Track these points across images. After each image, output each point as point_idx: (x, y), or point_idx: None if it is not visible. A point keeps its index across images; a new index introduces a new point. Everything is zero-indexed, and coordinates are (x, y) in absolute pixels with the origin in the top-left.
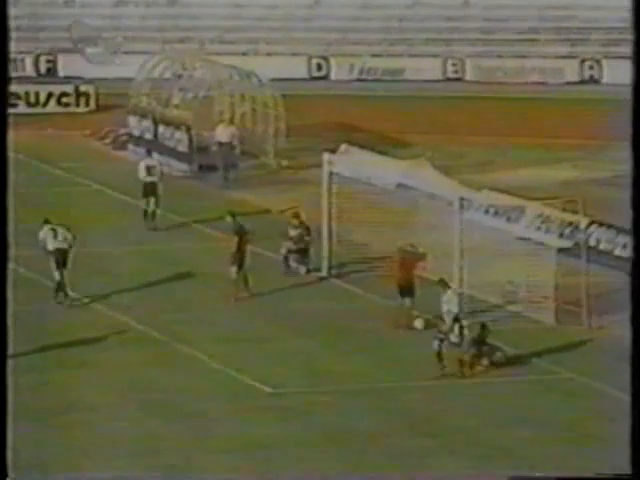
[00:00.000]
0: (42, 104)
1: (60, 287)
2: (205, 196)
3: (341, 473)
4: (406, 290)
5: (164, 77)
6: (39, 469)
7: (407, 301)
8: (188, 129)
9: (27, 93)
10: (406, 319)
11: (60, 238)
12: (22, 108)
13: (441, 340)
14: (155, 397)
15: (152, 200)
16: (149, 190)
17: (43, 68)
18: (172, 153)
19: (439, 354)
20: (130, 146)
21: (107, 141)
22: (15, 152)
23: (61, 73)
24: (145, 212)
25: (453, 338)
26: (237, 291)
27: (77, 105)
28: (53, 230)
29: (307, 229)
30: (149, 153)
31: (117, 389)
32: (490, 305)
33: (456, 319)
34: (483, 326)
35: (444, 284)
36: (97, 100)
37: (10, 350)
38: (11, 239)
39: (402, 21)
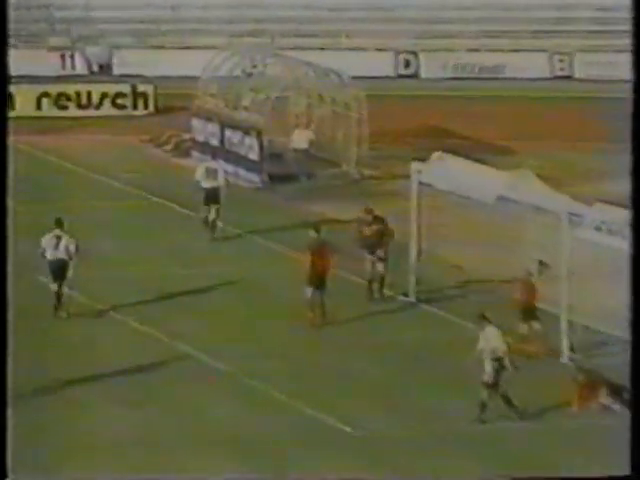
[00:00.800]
0: (95, 106)
1: (58, 300)
2: (277, 210)
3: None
4: (528, 314)
5: (232, 75)
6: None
7: (535, 325)
8: (259, 134)
9: (78, 94)
10: (538, 346)
11: (61, 248)
12: (72, 110)
13: (491, 386)
14: (226, 437)
15: (214, 208)
16: (210, 197)
17: (96, 65)
18: (240, 161)
19: (483, 404)
20: (194, 153)
21: (168, 148)
22: (63, 159)
23: (116, 71)
24: (205, 221)
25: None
26: (313, 317)
27: (134, 107)
28: (57, 238)
29: (384, 223)
30: (214, 159)
31: (184, 425)
32: (607, 337)
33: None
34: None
35: (483, 318)
36: (157, 101)
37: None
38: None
39: (503, 10)
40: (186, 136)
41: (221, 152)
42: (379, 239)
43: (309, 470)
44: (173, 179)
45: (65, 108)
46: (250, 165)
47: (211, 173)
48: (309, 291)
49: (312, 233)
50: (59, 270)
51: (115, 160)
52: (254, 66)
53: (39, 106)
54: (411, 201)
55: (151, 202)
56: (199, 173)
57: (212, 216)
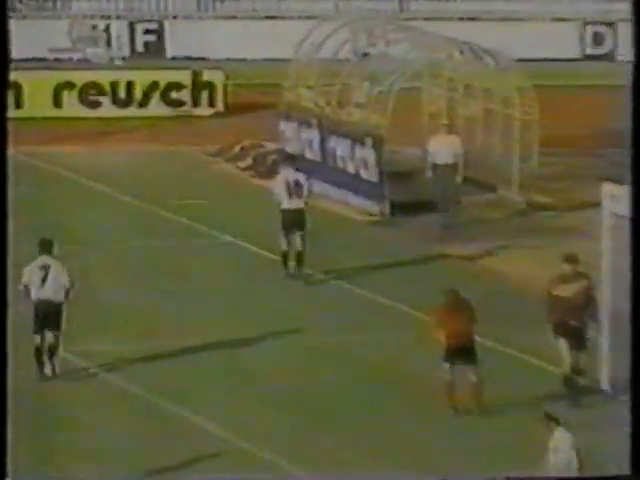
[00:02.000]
0: (139, 102)
1: (38, 355)
2: (404, 251)
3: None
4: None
5: (339, 58)
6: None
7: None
8: (378, 143)
9: (114, 84)
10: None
11: (50, 283)
12: (106, 108)
13: None
14: None
15: (297, 237)
16: (291, 220)
17: (140, 43)
18: (350, 183)
19: None
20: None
21: (245, 163)
22: (92, 180)
23: (169, 52)
24: (284, 256)
25: None
26: (456, 402)
27: (196, 104)
28: (43, 269)
29: (588, 279)
30: (311, 179)
31: None
32: None
33: None
34: None
35: (550, 418)
36: (227, 96)
37: None
38: None
39: None
40: (271, 146)
41: (322, 169)
42: (584, 303)
43: None
44: (252, 208)
45: (96, 105)
46: (365, 188)
47: (294, 188)
48: (446, 367)
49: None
50: (47, 316)
51: (168, 181)
52: (371, 44)
53: (57, 102)
54: (602, 242)
55: (219, 242)
56: (279, 187)
57: (297, 247)
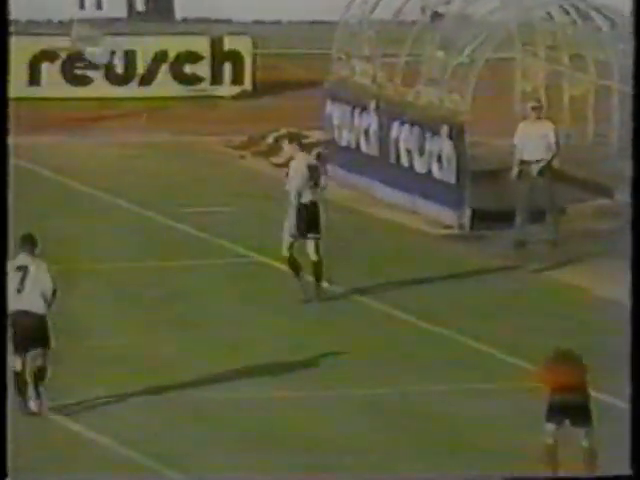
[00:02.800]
0: (141, 77)
1: (20, 384)
2: (491, 277)
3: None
4: None
5: (402, 19)
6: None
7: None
8: (457, 132)
9: (112, 55)
10: None
11: (27, 290)
12: (98, 86)
13: None
14: None
15: (312, 243)
16: (308, 219)
17: (142, 2)
18: (420, 184)
19: None
20: (330, 168)
21: (280, 159)
22: (81, 182)
23: (179, 11)
24: (293, 267)
25: None
26: (559, 472)
27: (216, 81)
28: (21, 271)
29: None
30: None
31: None
32: None
33: None
34: None
35: None
36: (256, 70)
37: None
38: None
39: None
40: (313, 136)
41: (380, 167)
42: None
43: None
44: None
45: (85, 82)
46: (438, 192)
47: (313, 175)
48: (550, 428)
49: None
50: (27, 332)
51: (179, 182)
52: (447, 1)
53: (34, 78)
54: None
55: (244, 262)
56: (297, 176)
57: (312, 256)
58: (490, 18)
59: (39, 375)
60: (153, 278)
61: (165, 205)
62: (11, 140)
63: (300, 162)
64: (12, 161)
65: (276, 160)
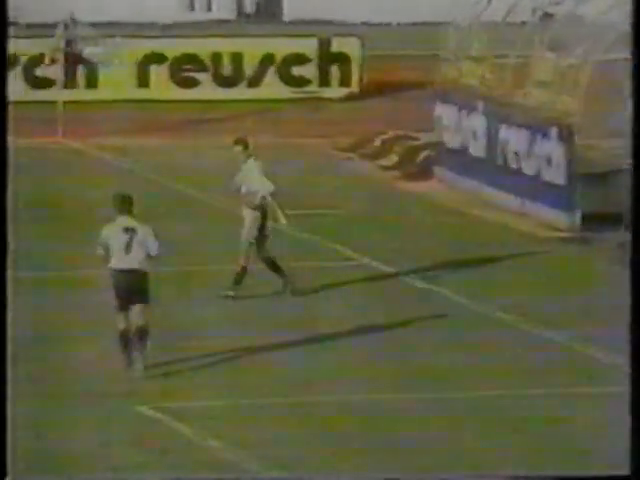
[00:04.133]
0: (249, 80)
1: (124, 341)
2: (611, 284)
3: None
4: None
5: (512, 20)
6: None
7: None
8: (567, 134)
9: (216, 56)
10: None
11: (134, 250)
12: (206, 88)
13: None
14: None
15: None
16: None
17: (250, 2)
18: (529, 187)
19: None
20: (438, 171)
21: (388, 161)
22: (186, 184)
23: (288, 13)
24: None
25: None
26: None
27: (323, 83)
28: (128, 232)
29: None
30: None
31: None
32: None
33: None
34: None
35: None
36: (364, 72)
37: None
38: None
39: None
40: (423, 138)
41: (489, 169)
42: None
43: None
44: (396, 220)
45: (192, 84)
46: (548, 194)
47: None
48: None
49: None
50: (132, 289)
51: (285, 185)
52: (557, 1)
53: (143, 79)
54: None
55: (352, 265)
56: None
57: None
58: (601, 18)
59: (141, 334)
60: (260, 281)
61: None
62: (120, 141)
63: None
64: (114, 162)
65: (384, 163)
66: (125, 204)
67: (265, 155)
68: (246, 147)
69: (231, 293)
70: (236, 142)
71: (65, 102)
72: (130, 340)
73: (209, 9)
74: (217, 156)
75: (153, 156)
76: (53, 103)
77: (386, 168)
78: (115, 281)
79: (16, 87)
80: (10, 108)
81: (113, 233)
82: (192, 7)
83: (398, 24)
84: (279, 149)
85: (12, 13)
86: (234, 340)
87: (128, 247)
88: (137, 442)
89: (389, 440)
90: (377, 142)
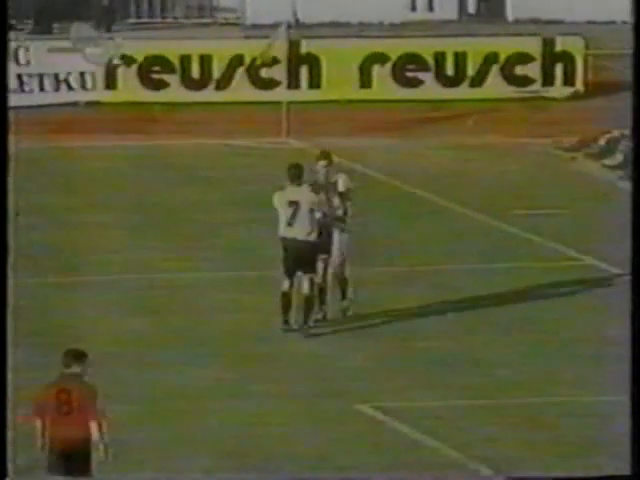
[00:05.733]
0: (472, 79)
1: (284, 302)
2: None
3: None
4: None
5: None
6: None
7: None
8: None
9: (440, 56)
10: None
11: (298, 223)
12: (429, 88)
13: None
14: None
15: None
16: None
17: (472, 2)
18: None
19: None
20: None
21: (612, 161)
22: (407, 184)
23: (511, 13)
24: None
25: None
26: None
27: (547, 82)
28: (293, 205)
29: None
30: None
31: None
32: None
33: None
34: None
35: None
36: (588, 71)
37: None
38: None
39: None
40: None
41: None
42: None
43: None
44: (620, 221)
45: (416, 84)
46: None
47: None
48: None
49: None
50: (295, 258)
51: (509, 184)
52: None
53: (365, 79)
54: None
55: (580, 266)
56: None
57: None
58: None
59: (306, 303)
60: (476, 280)
61: (496, 208)
62: (343, 141)
63: None
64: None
65: (608, 162)
66: (295, 174)
67: (488, 155)
68: (330, 162)
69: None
70: (319, 157)
71: (289, 102)
72: (289, 304)
73: (431, 9)
74: (440, 156)
75: (376, 156)
76: (278, 104)
77: (611, 168)
78: (282, 247)
79: (242, 88)
80: (235, 109)
81: (280, 203)
82: (414, 7)
83: (623, 22)
84: (503, 149)
85: (232, 15)
86: (450, 341)
87: (292, 219)
88: (358, 441)
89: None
90: (602, 141)
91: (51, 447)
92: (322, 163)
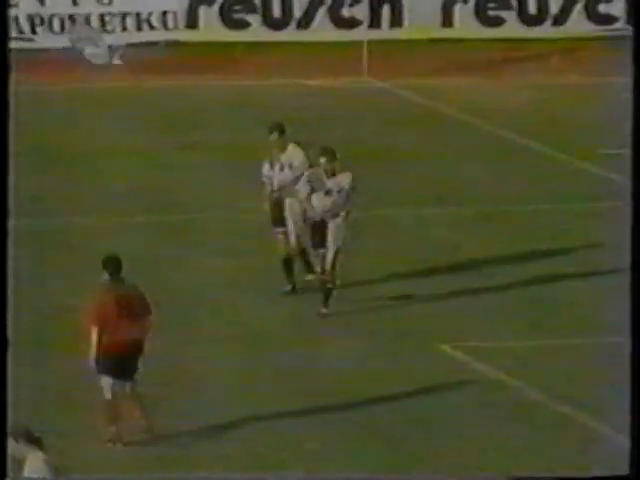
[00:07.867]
0: (554, 17)
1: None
2: None
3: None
4: None
5: None
6: None
7: None
8: None
9: None
10: None
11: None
12: (511, 27)
13: None
14: None
15: None
16: None
17: None
18: None
19: None
20: None
21: None
22: (492, 124)
23: None
24: None
25: None
26: None
27: (630, 19)
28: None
29: None
30: None
31: None
32: None
33: None
34: None
35: None
36: None
37: None
38: None
39: None
40: None
41: None
42: None
43: None
44: None
45: (496, 22)
46: None
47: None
48: None
49: None
50: (319, 234)
51: (591, 123)
52: None
53: (447, 19)
54: None
55: None
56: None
57: None
58: None
59: (322, 282)
60: (542, 221)
61: (576, 146)
62: (424, 81)
63: None
64: (417, 100)
65: None
66: (330, 156)
67: (569, 95)
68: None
69: None
70: (271, 129)
71: (370, 41)
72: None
73: None
74: (521, 96)
75: (457, 96)
76: (359, 43)
77: None
78: (310, 226)
79: (323, 27)
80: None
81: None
82: None
83: None
84: (582, 89)
85: None
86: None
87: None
88: (437, 380)
89: None
90: None
91: (106, 352)
92: (323, 159)
